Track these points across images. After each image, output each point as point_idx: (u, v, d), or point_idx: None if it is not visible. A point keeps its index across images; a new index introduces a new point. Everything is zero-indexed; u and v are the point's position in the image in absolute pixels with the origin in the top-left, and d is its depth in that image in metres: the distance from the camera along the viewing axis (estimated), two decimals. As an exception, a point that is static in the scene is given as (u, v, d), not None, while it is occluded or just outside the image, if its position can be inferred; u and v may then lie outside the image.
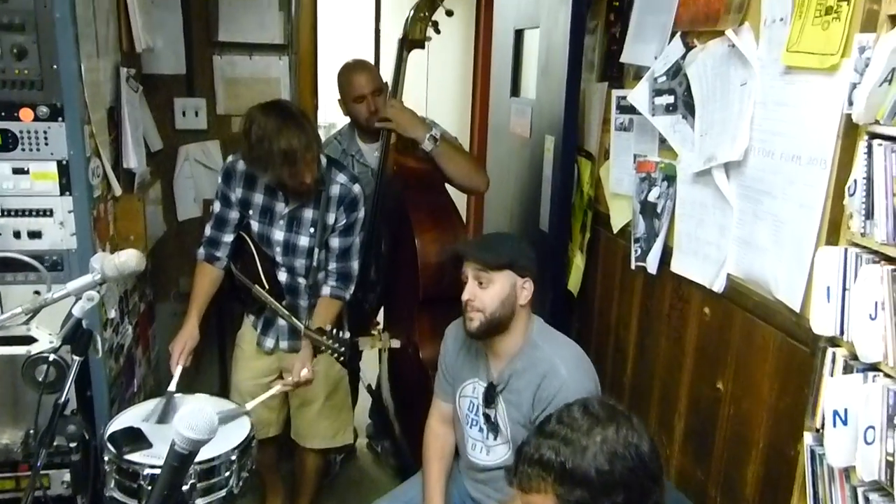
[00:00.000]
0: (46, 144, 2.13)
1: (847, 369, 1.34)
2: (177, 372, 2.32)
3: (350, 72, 2.87)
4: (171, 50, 3.20)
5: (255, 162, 2.32)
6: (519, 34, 3.58)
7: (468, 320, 1.97)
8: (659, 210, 2.23)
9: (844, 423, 1.29)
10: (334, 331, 2.31)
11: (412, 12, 2.76)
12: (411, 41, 2.77)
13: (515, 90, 3.66)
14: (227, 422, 2.03)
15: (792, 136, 1.61)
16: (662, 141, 2.22)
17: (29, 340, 2.13)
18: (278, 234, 2.49)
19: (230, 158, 2.51)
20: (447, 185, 2.86)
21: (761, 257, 1.74)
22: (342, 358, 2.36)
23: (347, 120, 3.00)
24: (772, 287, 1.69)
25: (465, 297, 1.96)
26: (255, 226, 2.51)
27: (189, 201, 3.37)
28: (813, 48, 1.50)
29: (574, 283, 2.92)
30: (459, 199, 3.23)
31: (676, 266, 2.14)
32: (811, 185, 1.54)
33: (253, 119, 2.27)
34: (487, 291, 1.93)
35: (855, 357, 1.33)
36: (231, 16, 3.23)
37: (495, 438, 2.04)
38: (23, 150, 2.12)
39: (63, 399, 1.72)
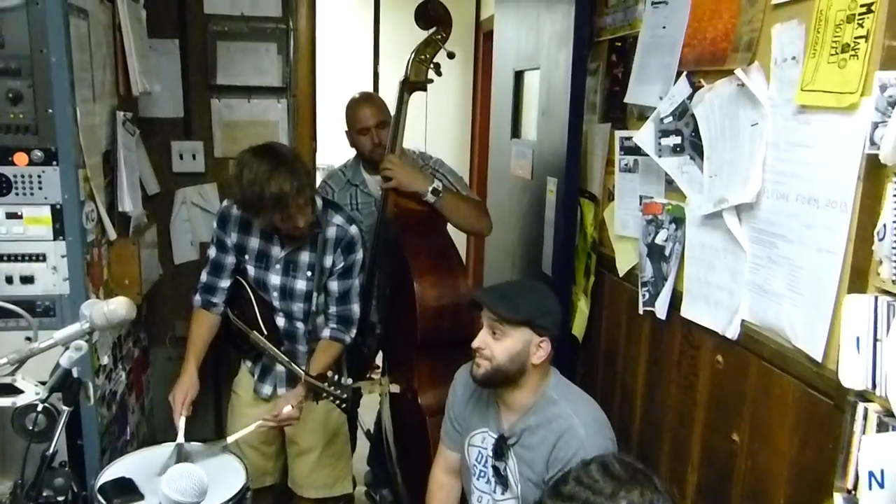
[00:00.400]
0: (41, 189, 2.11)
1: (882, 426, 1.26)
2: (181, 423, 2.24)
3: (356, 104, 2.91)
4: (169, 94, 3.21)
5: (246, 206, 2.28)
6: (519, 76, 3.57)
7: (475, 366, 1.91)
8: (667, 253, 2.18)
9: (881, 485, 1.20)
10: (336, 377, 2.25)
11: (413, 55, 2.74)
12: (412, 84, 2.76)
13: (516, 132, 3.64)
14: (204, 458, 2.02)
15: (808, 177, 1.56)
16: (669, 182, 2.17)
17: (15, 391, 2.06)
18: (275, 279, 2.44)
19: (225, 203, 2.48)
20: (449, 225, 2.83)
21: (777, 304, 1.67)
22: (344, 405, 2.29)
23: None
24: (789, 335, 1.62)
25: (475, 344, 1.90)
26: (251, 270, 2.46)
27: (186, 245, 3.34)
28: (829, 87, 1.46)
29: (578, 328, 2.85)
30: (459, 240, 3.18)
31: (687, 311, 2.07)
32: (830, 229, 1.48)
33: (244, 163, 2.22)
34: (499, 343, 1.87)
35: (890, 413, 1.25)
36: (229, 59, 3.22)
37: (503, 493, 1.96)
38: (16, 194, 2.10)
39: (51, 450, 1.65)
